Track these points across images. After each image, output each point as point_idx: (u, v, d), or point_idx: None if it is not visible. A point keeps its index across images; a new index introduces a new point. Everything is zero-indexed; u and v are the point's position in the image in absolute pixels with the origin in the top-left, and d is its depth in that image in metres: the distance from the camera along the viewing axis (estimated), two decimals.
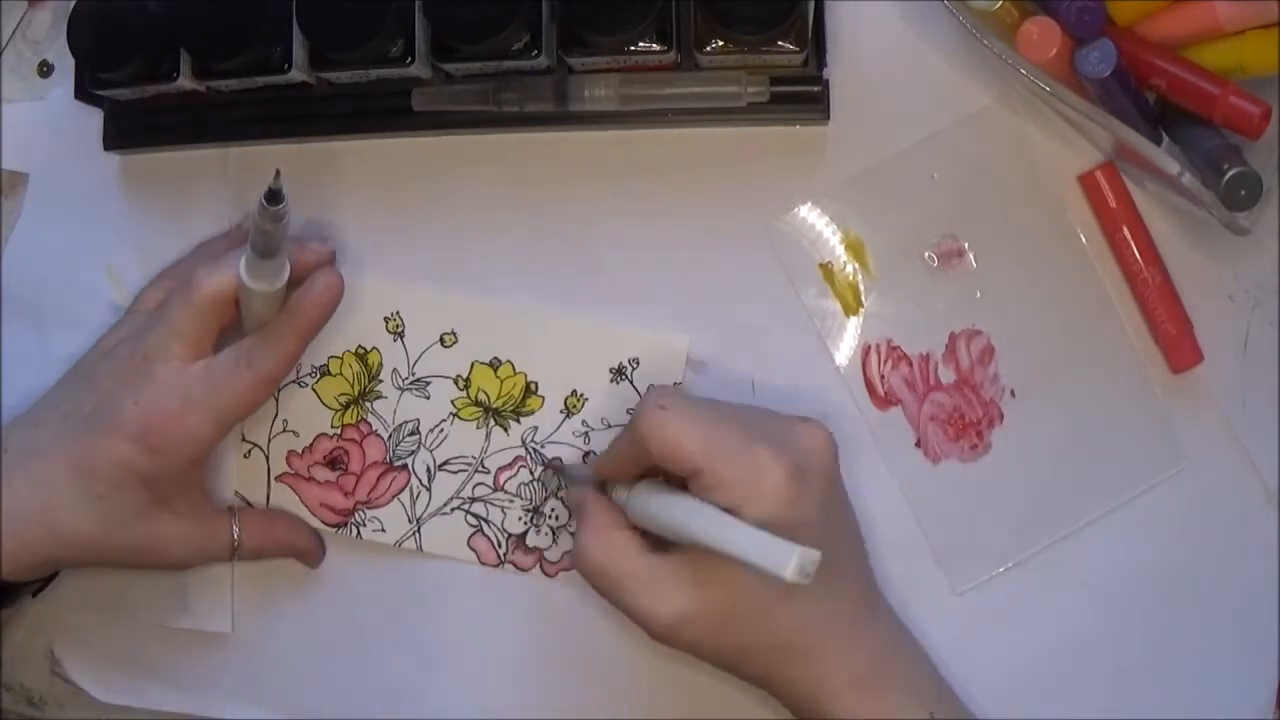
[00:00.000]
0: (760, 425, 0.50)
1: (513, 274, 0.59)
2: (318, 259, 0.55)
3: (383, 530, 0.59)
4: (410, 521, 0.59)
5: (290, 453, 0.59)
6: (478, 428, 0.59)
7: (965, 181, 0.58)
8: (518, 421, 0.59)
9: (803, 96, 0.56)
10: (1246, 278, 0.57)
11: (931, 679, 0.54)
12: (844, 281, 0.58)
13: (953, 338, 0.58)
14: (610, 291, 0.59)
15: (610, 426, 0.58)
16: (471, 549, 0.58)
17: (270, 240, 0.50)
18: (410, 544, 0.59)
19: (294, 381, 0.60)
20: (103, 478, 0.53)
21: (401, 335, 0.59)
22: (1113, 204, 0.56)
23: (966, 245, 0.58)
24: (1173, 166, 0.51)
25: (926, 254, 0.58)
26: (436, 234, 0.60)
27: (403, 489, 0.59)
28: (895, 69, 0.58)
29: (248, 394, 0.53)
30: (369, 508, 0.59)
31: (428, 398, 0.59)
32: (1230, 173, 0.50)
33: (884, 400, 0.58)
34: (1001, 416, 0.57)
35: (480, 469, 0.59)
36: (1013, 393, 0.57)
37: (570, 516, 0.58)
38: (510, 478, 0.58)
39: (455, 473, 0.59)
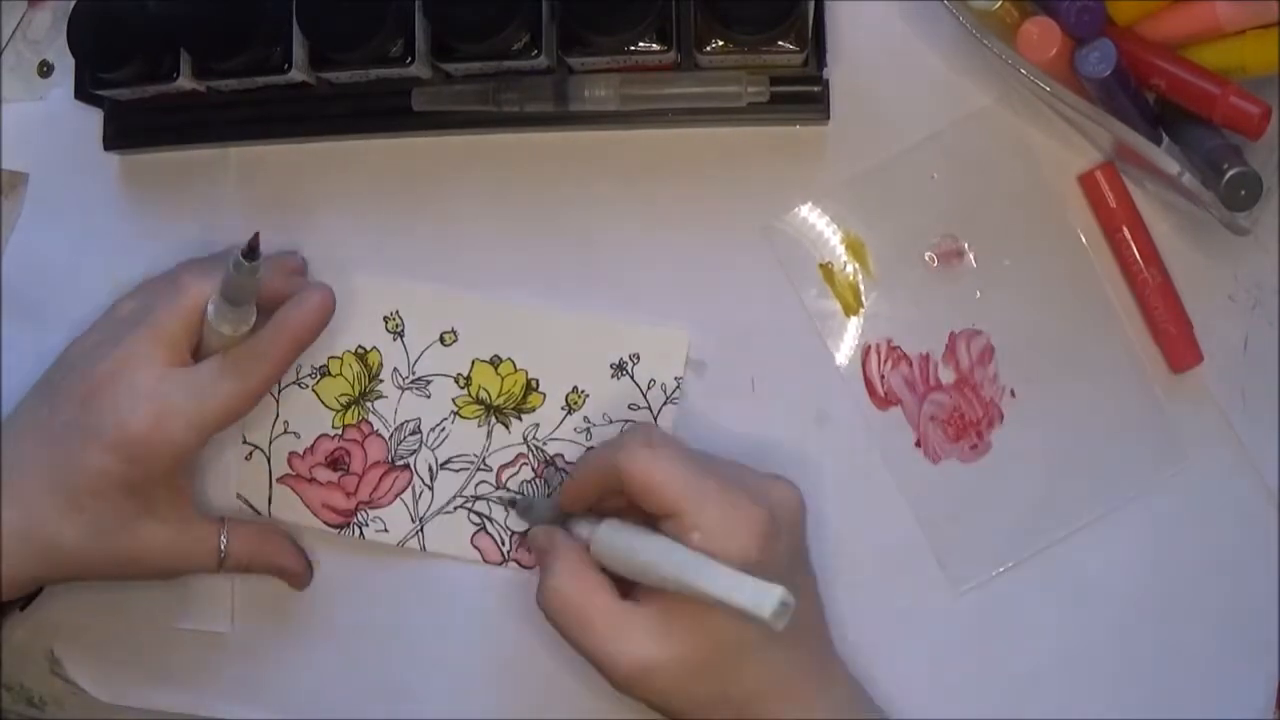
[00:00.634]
0: (737, 475, 0.51)
1: (512, 274, 0.59)
2: (293, 285, 0.56)
3: (385, 530, 0.59)
4: (413, 521, 0.59)
5: (291, 454, 0.59)
6: (479, 426, 0.59)
7: (965, 181, 0.58)
8: (519, 419, 0.59)
9: (803, 96, 0.56)
10: (1246, 278, 0.57)
11: None
12: (844, 281, 0.58)
13: (953, 338, 0.58)
14: (610, 291, 0.59)
15: (612, 422, 0.58)
16: (475, 547, 0.58)
17: (241, 292, 0.52)
18: (413, 544, 0.59)
19: (294, 382, 0.60)
20: (83, 489, 0.52)
21: (401, 334, 0.59)
22: (1113, 204, 0.56)
23: (966, 245, 0.58)
24: (1173, 166, 0.51)
25: (926, 254, 0.58)
26: (436, 234, 0.60)
27: (405, 488, 0.59)
28: (895, 69, 0.58)
29: (231, 405, 0.53)
30: (371, 508, 0.59)
31: (429, 397, 0.59)
32: (1230, 173, 0.50)
33: (884, 400, 0.58)
34: (1001, 416, 0.57)
35: (482, 467, 0.59)
36: (1013, 393, 0.57)
37: (531, 553, 0.58)
38: (512, 475, 0.59)
39: (457, 471, 0.59)
